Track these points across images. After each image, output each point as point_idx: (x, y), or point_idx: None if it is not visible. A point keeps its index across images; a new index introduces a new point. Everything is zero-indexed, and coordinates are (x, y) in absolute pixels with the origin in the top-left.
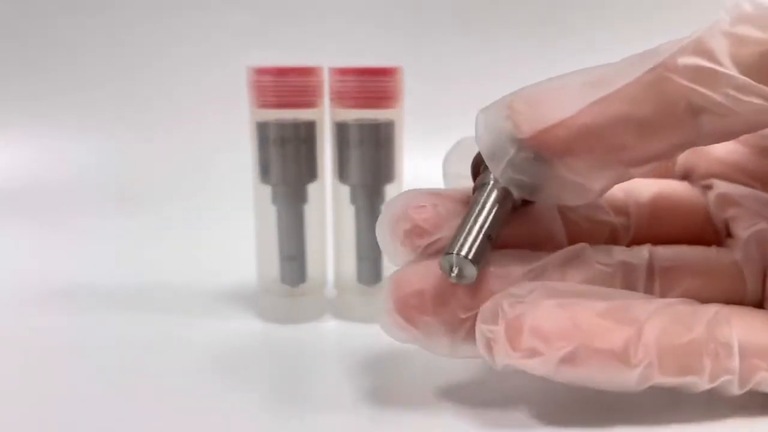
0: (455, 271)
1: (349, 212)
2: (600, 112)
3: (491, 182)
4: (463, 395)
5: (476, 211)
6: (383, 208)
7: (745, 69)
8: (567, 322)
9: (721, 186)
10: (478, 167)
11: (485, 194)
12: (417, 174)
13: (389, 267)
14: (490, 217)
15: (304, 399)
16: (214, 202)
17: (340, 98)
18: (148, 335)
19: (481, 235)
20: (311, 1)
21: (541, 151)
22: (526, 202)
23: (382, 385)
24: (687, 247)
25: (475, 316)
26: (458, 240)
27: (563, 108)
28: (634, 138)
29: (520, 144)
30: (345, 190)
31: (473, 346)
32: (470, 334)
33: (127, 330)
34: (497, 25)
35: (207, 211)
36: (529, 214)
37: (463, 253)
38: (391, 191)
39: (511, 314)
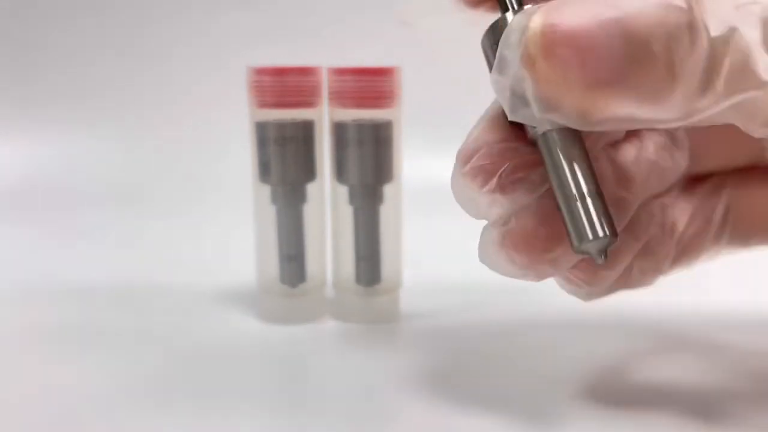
0: (603, 255)
1: (347, 212)
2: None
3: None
4: (462, 395)
5: (561, 174)
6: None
7: None
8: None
9: None
10: None
11: (550, 147)
12: (416, 174)
13: (388, 267)
14: (580, 172)
15: (303, 399)
16: (214, 201)
17: (339, 98)
18: (148, 334)
19: (578, 205)
20: (311, 1)
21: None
22: None
23: (379, 386)
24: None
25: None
26: (578, 224)
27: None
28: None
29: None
30: (343, 190)
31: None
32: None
33: (126, 329)
34: None
35: (206, 211)
36: None
37: (587, 239)
38: (389, 191)
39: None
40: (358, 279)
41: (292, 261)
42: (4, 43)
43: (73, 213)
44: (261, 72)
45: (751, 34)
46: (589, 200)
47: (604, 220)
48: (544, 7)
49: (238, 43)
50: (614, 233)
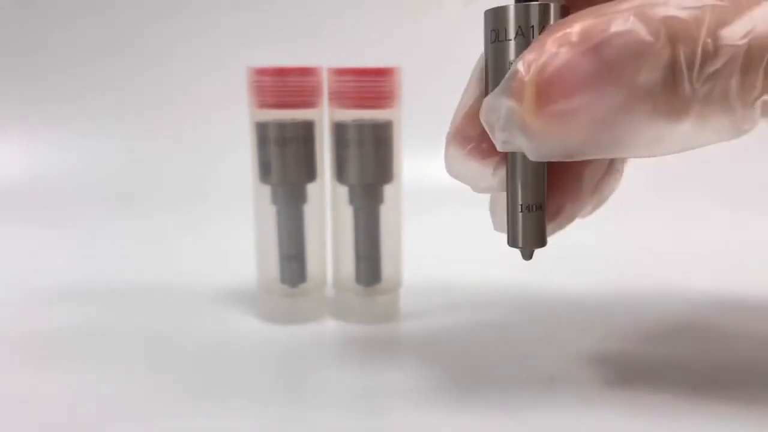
0: (529, 257)
1: (347, 212)
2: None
3: None
4: (462, 395)
5: (516, 183)
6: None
7: None
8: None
9: None
10: None
11: (515, 158)
12: (416, 174)
13: (388, 267)
14: (533, 186)
15: (303, 399)
16: (214, 201)
17: (339, 98)
18: (147, 335)
19: (521, 214)
20: (311, 1)
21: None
22: None
23: (379, 386)
24: None
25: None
26: (515, 230)
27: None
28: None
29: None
30: (343, 191)
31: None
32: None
33: (126, 329)
34: None
35: (207, 211)
36: None
37: (518, 245)
38: (389, 191)
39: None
40: (358, 279)
41: (292, 261)
42: (5, 43)
43: (73, 213)
44: (261, 72)
45: (731, 84)
46: (531, 214)
47: (538, 233)
48: (532, 72)
49: (238, 43)
50: (542, 244)
